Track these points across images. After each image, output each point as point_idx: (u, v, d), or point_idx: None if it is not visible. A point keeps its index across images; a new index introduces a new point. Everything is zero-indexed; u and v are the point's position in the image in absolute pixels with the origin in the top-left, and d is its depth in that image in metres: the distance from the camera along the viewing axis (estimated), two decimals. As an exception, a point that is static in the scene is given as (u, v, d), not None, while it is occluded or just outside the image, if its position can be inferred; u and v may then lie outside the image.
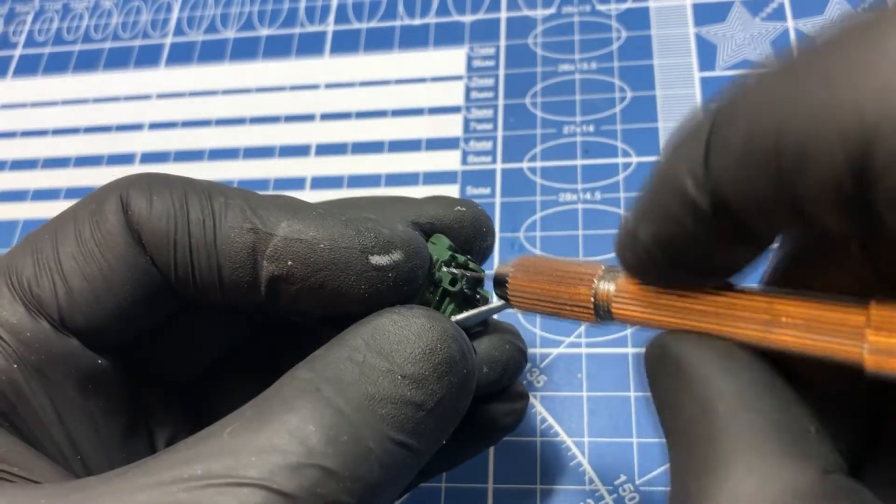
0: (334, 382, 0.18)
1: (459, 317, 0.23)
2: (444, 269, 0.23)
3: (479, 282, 0.24)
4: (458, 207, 0.25)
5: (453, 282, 0.23)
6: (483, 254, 0.26)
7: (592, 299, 0.20)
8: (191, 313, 0.24)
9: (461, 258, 0.24)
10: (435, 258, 0.23)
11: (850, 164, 0.12)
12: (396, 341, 0.19)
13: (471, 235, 0.25)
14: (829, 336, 0.15)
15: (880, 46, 0.12)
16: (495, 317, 0.25)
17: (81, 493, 0.17)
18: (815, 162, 0.12)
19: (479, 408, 0.25)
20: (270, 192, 0.23)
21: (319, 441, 0.17)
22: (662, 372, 0.18)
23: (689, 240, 0.16)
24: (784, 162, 0.13)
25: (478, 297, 0.24)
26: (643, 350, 0.19)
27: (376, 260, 0.21)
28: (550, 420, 0.32)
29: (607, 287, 0.20)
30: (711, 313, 0.18)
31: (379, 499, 0.18)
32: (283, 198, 0.22)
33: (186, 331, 0.24)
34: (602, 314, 0.20)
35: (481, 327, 0.25)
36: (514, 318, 0.34)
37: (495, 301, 0.24)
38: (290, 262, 0.20)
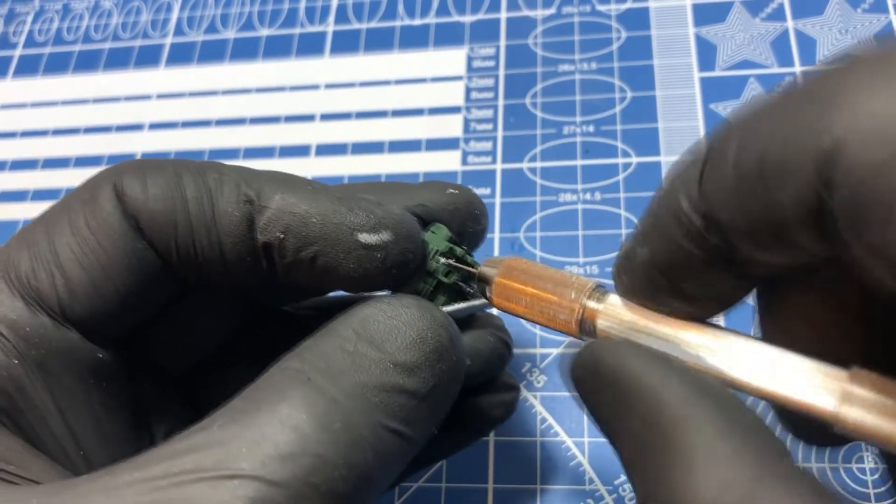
0: (325, 372, 0.18)
1: (450, 308, 0.23)
2: (441, 260, 0.23)
3: (473, 276, 0.24)
4: (451, 190, 0.25)
5: (448, 273, 0.23)
6: (477, 237, 0.26)
7: (579, 315, 0.20)
8: (186, 302, 0.24)
9: (459, 250, 0.24)
10: (433, 248, 0.23)
11: (820, 178, 0.14)
12: (387, 330, 0.19)
13: (465, 217, 0.25)
14: (807, 391, 0.16)
15: (848, 83, 0.14)
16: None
17: (72, 490, 0.16)
18: (791, 177, 0.14)
19: (467, 400, 0.25)
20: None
21: (312, 429, 0.17)
22: (597, 385, 0.18)
23: (684, 260, 0.17)
24: (766, 179, 0.14)
25: (471, 290, 0.24)
26: (572, 361, 0.19)
27: (365, 238, 0.21)
28: (550, 420, 0.32)
29: (595, 305, 0.20)
30: (701, 346, 0.18)
31: (373, 487, 0.18)
32: (278, 172, 0.22)
33: (183, 320, 0.24)
34: (586, 331, 0.20)
35: (468, 320, 0.25)
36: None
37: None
38: (281, 235, 0.21)
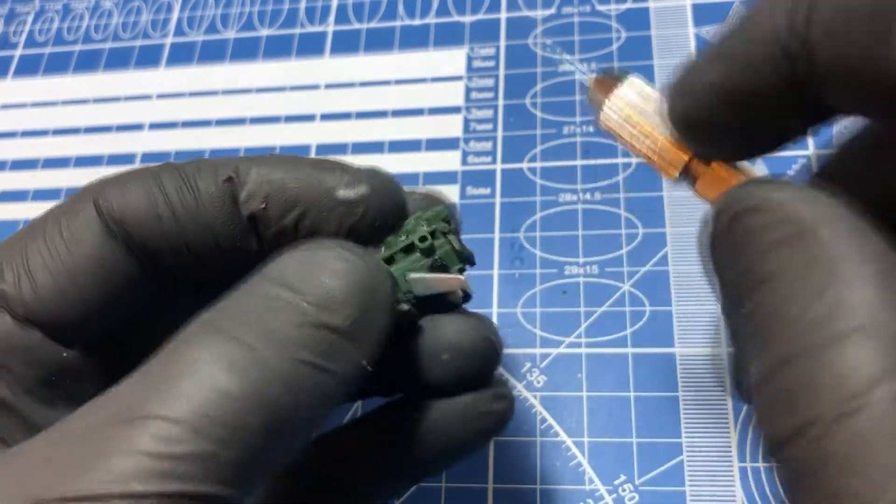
0: (237, 317, 0.18)
1: (415, 275, 0.22)
2: (424, 226, 0.23)
3: (451, 258, 0.23)
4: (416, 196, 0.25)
5: (423, 239, 0.23)
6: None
7: (686, 159, 0.21)
8: (167, 304, 0.24)
9: (443, 225, 0.23)
10: (420, 214, 0.23)
11: None
12: (301, 270, 0.19)
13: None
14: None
15: None
16: (470, 307, 0.24)
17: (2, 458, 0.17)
18: None
19: (443, 403, 0.23)
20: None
21: (220, 368, 0.17)
22: (754, 232, 0.16)
23: (760, 89, 0.15)
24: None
25: (446, 265, 0.23)
26: (719, 205, 0.17)
27: (344, 194, 0.22)
28: (550, 420, 0.32)
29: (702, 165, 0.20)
30: None
31: (291, 421, 0.17)
32: (253, 155, 0.23)
33: (164, 323, 0.24)
34: (686, 177, 0.21)
35: (446, 306, 0.23)
36: (514, 314, 0.34)
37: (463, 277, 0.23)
38: (263, 204, 0.22)
